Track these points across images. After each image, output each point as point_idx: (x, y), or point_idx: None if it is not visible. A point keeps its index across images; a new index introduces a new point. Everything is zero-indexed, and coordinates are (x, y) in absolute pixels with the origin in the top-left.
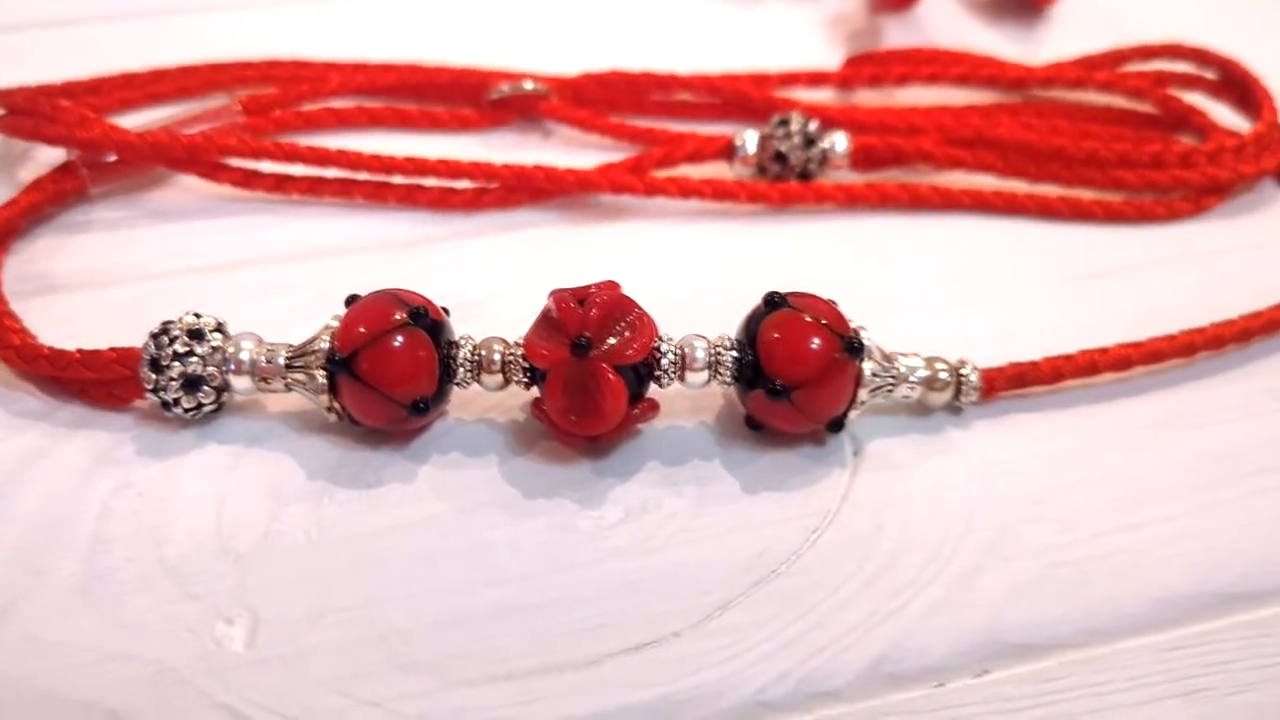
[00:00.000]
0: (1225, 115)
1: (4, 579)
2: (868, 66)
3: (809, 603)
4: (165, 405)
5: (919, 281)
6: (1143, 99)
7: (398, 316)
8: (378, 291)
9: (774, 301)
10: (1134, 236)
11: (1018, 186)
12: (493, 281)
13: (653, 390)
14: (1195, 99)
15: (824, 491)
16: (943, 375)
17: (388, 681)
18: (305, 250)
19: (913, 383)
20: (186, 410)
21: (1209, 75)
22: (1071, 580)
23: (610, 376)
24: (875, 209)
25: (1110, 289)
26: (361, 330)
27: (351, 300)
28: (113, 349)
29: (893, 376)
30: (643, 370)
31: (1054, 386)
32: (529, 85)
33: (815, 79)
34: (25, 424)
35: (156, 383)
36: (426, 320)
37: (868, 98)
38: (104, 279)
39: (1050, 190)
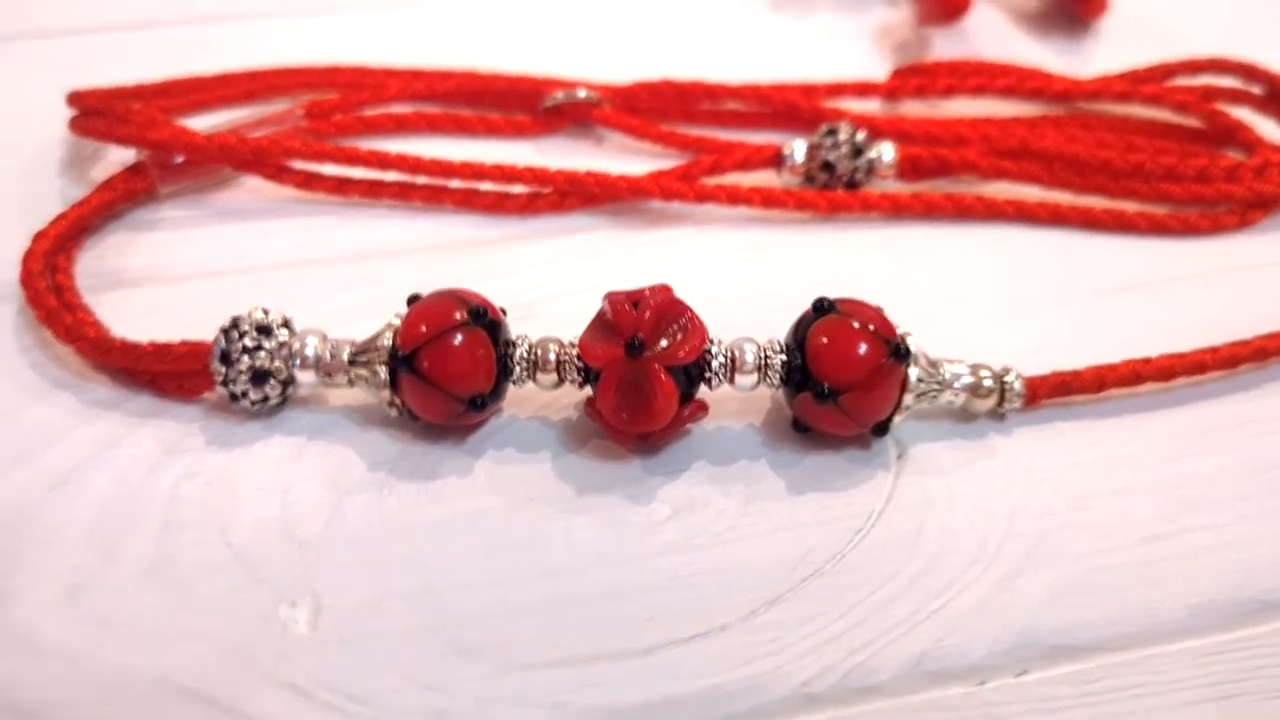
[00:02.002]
0: (1272, 130)
1: (77, 561)
2: (914, 78)
3: (852, 600)
4: (233, 397)
5: (964, 290)
6: (1189, 113)
7: (458, 315)
8: (439, 291)
9: (823, 307)
10: (1178, 249)
11: (1062, 198)
12: (547, 283)
13: (702, 392)
14: (1242, 114)
15: (868, 493)
16: (987, 382)
17: (446, 666)
18: (364, 251)
19: (957, 389)
20: (253, 402)
21: (1256, 90)
22: (1110, 585)
23: (662, 377)
24: (921, 218)
25: (1153, 301)
26: (423, 329)
27: (413, 300)
28: (184, 342)
29: (938, 382)
30: (693, 372)
31: (1097, 396)
32: (582, 93)
33: (862, 89)
34: (97, 413)
35: (226, 375)
36: (486, 319)
37: (914, 109)
38: (171, 275)
39: (1095, 202)
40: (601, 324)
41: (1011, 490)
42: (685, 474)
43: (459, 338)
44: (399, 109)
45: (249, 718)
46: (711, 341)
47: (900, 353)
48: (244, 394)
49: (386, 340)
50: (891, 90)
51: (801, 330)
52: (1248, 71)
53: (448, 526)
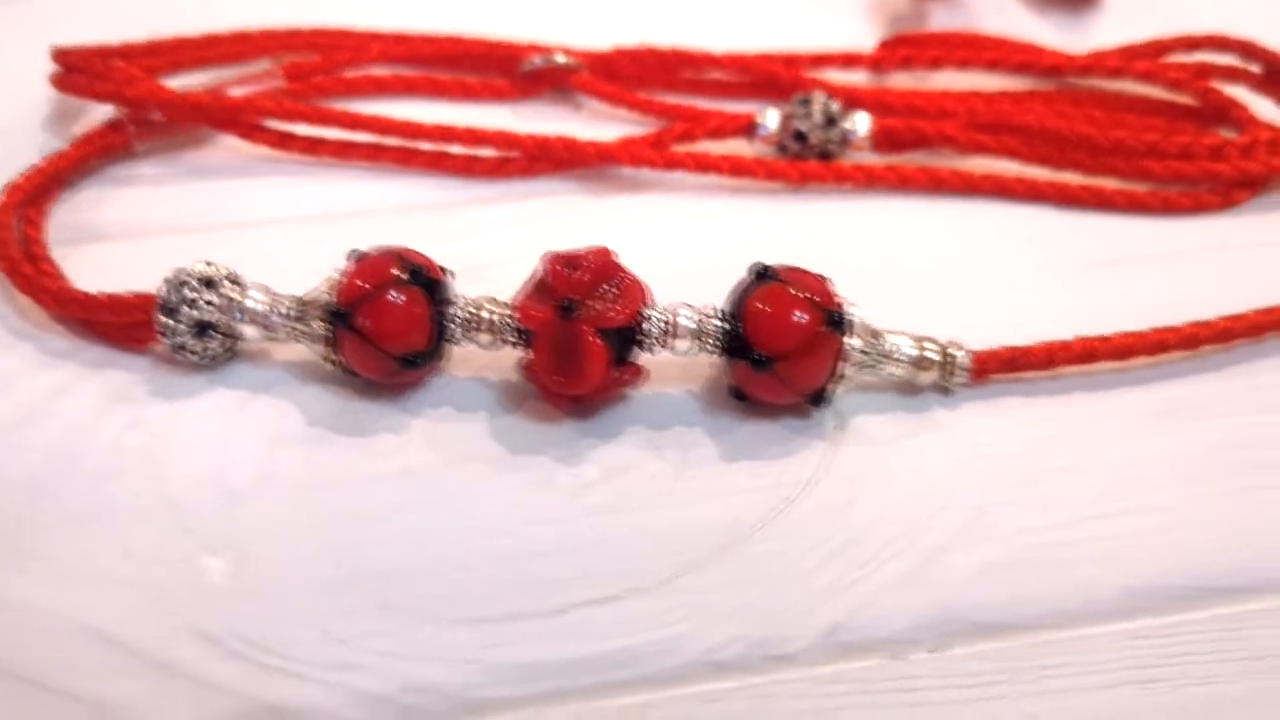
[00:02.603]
0: (1269, 110)
1: (18, 503)
2: (901, 49)
3: (773, 569)
4: (177, 349)
5: (933, 264)
6: (1182, 91)
7: (396, 273)
8: (381, 248)
9: (762, 274)
10: (1157, 228)
11: (1040, 174)
12: (509, 246)
13: (644, 358)
14: (1238, 92)
15: (802, 463)
16: (930, 354)
17: (360, 620)
18: (334, 210)
19: (899, 360)
20: (197, 355)
21: (1254, 69)
22: (1044, 563)
23: (591, 339)
24: (894, 191)
25: (1128, 279)
26: (361, 284)
27: (357, 256)
28: (133, 294)
29: (879, 353)
30: (629, 335)
31: (1050, 372)
32: (561, 59)
33: (848, 60)
34: (54, 362)
35: (168, 327)
36: (423, 278)
37: (902, 81)
38: (142, 230)
39: (1074, 178)
40: (538, 285)
41: (951, 465)
42: (619, 437)
43: (396, 295)
44: (379, 71)
45: (160, 664)
46: (648, 306)
47: (837, 321)
48: (187, 346)
49: (327, 296)
50: (877, 61)
51: (740, 297)
52: (1246, 49)
53: (377, 483)
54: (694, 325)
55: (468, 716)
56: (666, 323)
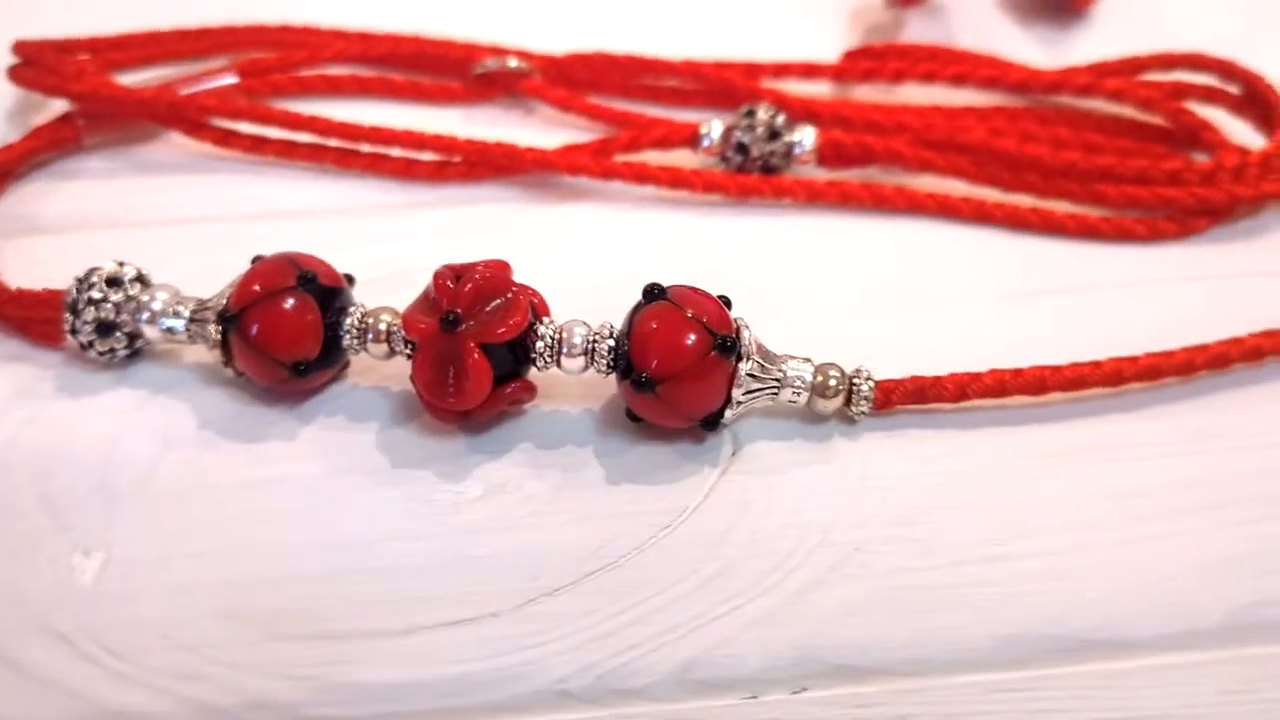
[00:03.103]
0: (1245, 133)
1: None
2: (864, 61)
3: (635, 599)
4: (82, 346)
5: (868, 285)
6: (1152, 111)
7: (288, 279)
8: (279, 253)
9: (653, 293)
10: (1108, 255)
11: (990, 194)
12: (441, 252)
13: (550, 374)
14: (1216, 115)
15: (687, 489)
16: (833, 383)
17: (210, 629)
18: (273, 210)
19: (798, 388)
20: (101, 353)
21: (1233, 90)
22: (914, 606)
23: (474, 356)
24: (836, 208)
25: (1071, 308)
26: (255, 289)
27: (256, 260)
28: (45, 290)
29: (775, 379)
30: (519, 351)
31: (961, 405)
32: (513, 63)
33: (809, 70)
34: None
35: (73, 324)
36: (315, 285)
37: (865, 94)
38: (84, 224)
39: (1023, 200)
40: (427, 297)
41: (837, 498)
42: (507, 454)
43: (285, 301)
44: (335, 71)
45: (11, 662)
46: (540, 322)
47: (727, 346)
48: (91, 344)
49: (224, 300)
50: (838, 73)
51: (630, 316)
52: (1225, 69)
53: (255, 490)
54: (585, 343)
55: None
56: (556, 340)
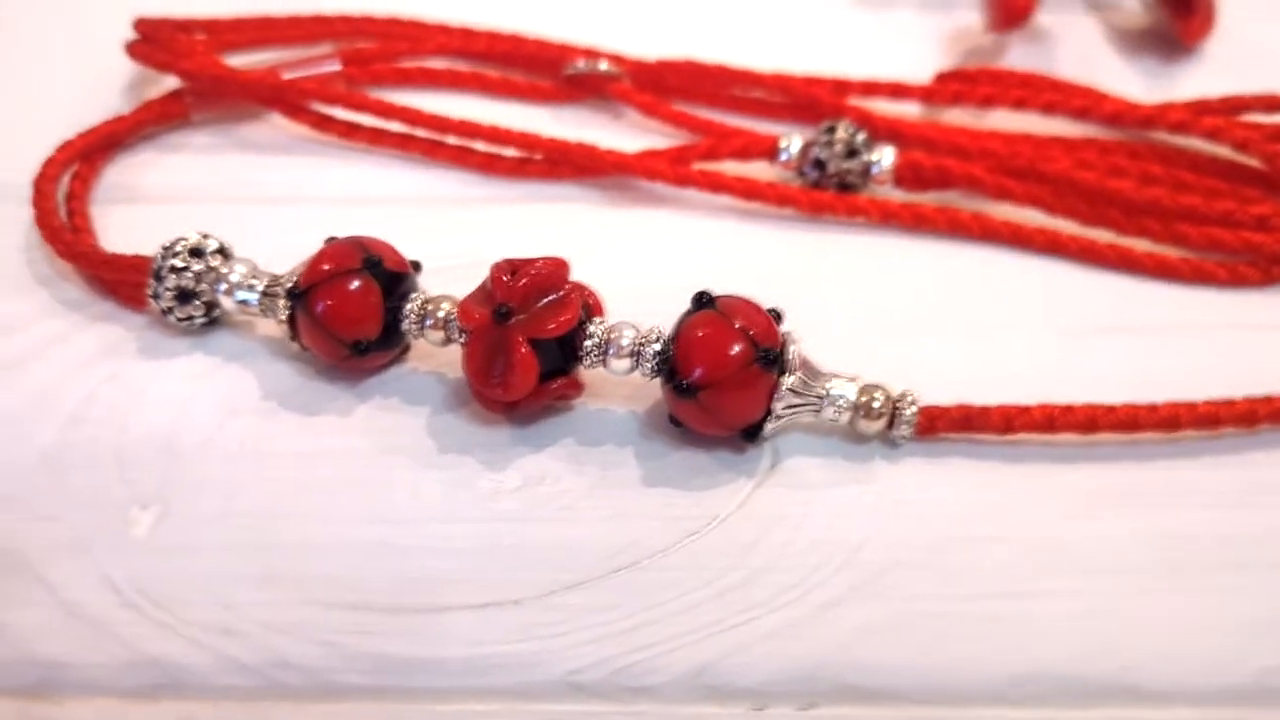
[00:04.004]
0: None
1: None
2: (954, 84)
3: (656, 600)
4: (164, 312)
5: (932, 308)
6: (1248, 152)
7: (354, 261)
8: (350, 236)
9: (702, 301)
10: (1185, 297)
11: (1066, 226)
12: (516, 247)
13: (599, 373)
14: None
15: (721, 498)
16: (877, 405)
17: (248, 588)
18: (359, 195)
19: (840, 406)
20: (180, 319)
21: None
22: (935, 634)
23: (522, 349)
24: (910, 230)
25: (1138, 348)
26: (324, 268)
27: (328, 241)
28: (135, 255)
29: (818, 396)
30: (568, 348)
31: (1009, 438)
32: (603, 66)
33: (897, 90)
34: (63, 311)
35: (156, 290)
36: (379, 269)
37: (958, 117)
38: (184, 197)
39: (1100, 235)
40: (482, 288)
41: (870, 519)
42: (550, 448)
43: (350, 283)
44: (433, 64)
45: (63, 602)
46: (591, 321)
47: (770, 359)
48: (171, 310)
49: (294, 277)
50: (927, 94)
51: (679, 323)
52: None
53: (307, 460)
54: (633, 346)
55: (322, 699)
56: (605, 340)
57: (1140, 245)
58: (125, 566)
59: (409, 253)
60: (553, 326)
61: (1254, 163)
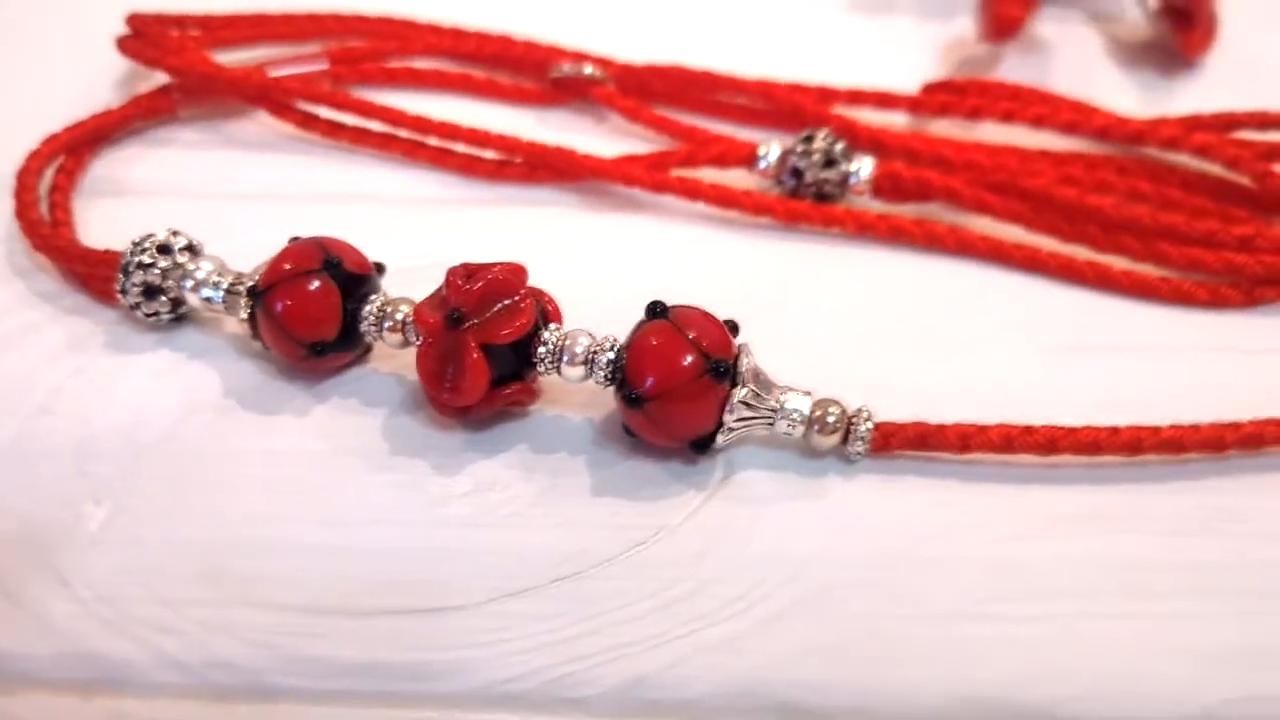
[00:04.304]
0: None
1: None
2: (941, 94)
3: (597, 610)
4: (131, 308)
5: (904, 321)
6: (1238, 171)
7: (314, 262)
8: (313, 237)
9: (655, 311)
10: (1163, 318)
11: (1046, 243)
12: (485, 249)
13: (554, 380)
14: None
15: (670, 509)
16: (832, 419)
17: (191, 586)
18: (340, 193)
19: (794, 420)
20: (146, 315)
21: None
22: (877, 654)
23: (473, 354)
24: (886, 241)
25: (1115, 369)
26: (285, 268)
27: (292, 240)
28: (106, 250)
29: (770, 409)
30: (523, 354)
31: (967, 457)
32: (588, 69)
33: (884, 100)
34: (37, 302)
35: (123, 285)
36: (339, 270)
37: (946, 129)
38: (166, 191)
39: (1080, 252)
40: (438, 292)
41: (818, 535)
42: (502, 454)
43: (310, 283)
44: (421, 64)
45: (9, 593)
46: (546, 327)
47: (720, 371)
48: (138, 305)
49: (256, 275)
50: (914, 105)
51: (633, 332)
52: None
53: (261, 459)
54: (586, 353)
55: (254, 700)
56: (559, 347)
57: (1119, 263)
58: (74, 560)
59: (385, 253)
60: (506, 332)
61: (1245, 181)
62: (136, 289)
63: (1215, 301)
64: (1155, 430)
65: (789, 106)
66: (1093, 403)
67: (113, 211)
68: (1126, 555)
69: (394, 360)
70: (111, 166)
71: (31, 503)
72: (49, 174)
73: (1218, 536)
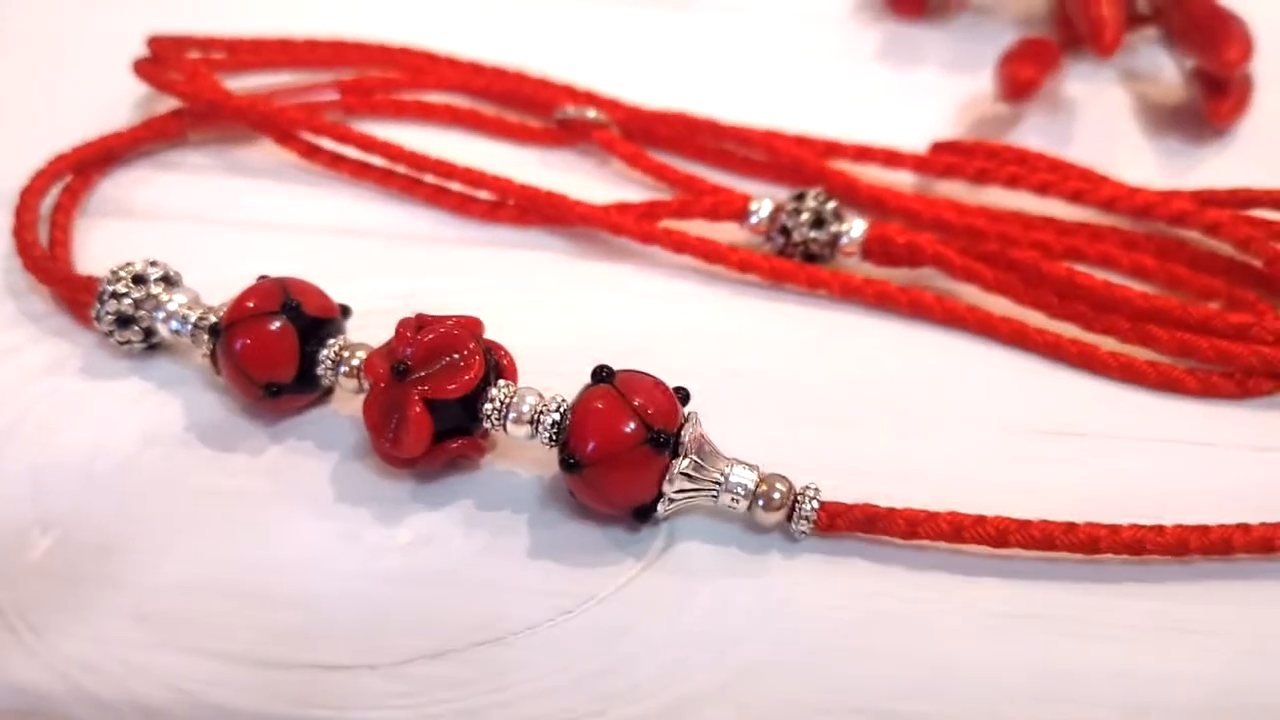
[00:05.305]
0: None
1: None
2: (948, 155)
3: (510, 680)
4: (106, 334)
5: (877, 391)
6: (1250, 251)
7: (274, 304)
8: (278, 277)
9: (601, 375)
10: (1148, 405)
11: (1034, 318)
12: (470, 290)
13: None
14: None
15: (601, 578)
16: (777, 496)
17: (120, 625)
18: (336, 226)
19: (738, 494)
20: (120, 343)
21: None
22: None
23: (416, 409)
24: (871, 307)
25: (1090, 457)
26: (247, 306)
27: (260, 279)
28: (87, 276)
29: (714, 482)
30: (470, 409)
31: (916, 543)
32: (591, 113)
33: (890, 158)
34: (24, 323)
35: (98, 313)
36: (298, 313)
37: (954, 190)
38: (167, 215)
39: (1067, 330)
40: (389, 341)
41: (748, 616)
42: (446, 507)
43: (269, 324)
44: (433, 98)
45: None
46: (495, 384)
47: (660, 441)
48: (111, 333)
49: (221, 312)
50: (919, 164)
51: (579, 395)
52: None
53: (208, 497)
54: (530, 412)
55: None
56: (505, 404)
57: (1108, 344)
58: (12, 589)
59: (374, 289)
60: (452, 387)
61: (1256, 263)
62: (110, 317)
63: (1204, 391)
64: (1115, 529)
65: (791, 160)
66: (1065, 491)
67: (115, 233)
68: (1069, 664)
69: (353, 403)
70: (119, 187)
71: None
72: (55, 192)
73: (1170, 646)
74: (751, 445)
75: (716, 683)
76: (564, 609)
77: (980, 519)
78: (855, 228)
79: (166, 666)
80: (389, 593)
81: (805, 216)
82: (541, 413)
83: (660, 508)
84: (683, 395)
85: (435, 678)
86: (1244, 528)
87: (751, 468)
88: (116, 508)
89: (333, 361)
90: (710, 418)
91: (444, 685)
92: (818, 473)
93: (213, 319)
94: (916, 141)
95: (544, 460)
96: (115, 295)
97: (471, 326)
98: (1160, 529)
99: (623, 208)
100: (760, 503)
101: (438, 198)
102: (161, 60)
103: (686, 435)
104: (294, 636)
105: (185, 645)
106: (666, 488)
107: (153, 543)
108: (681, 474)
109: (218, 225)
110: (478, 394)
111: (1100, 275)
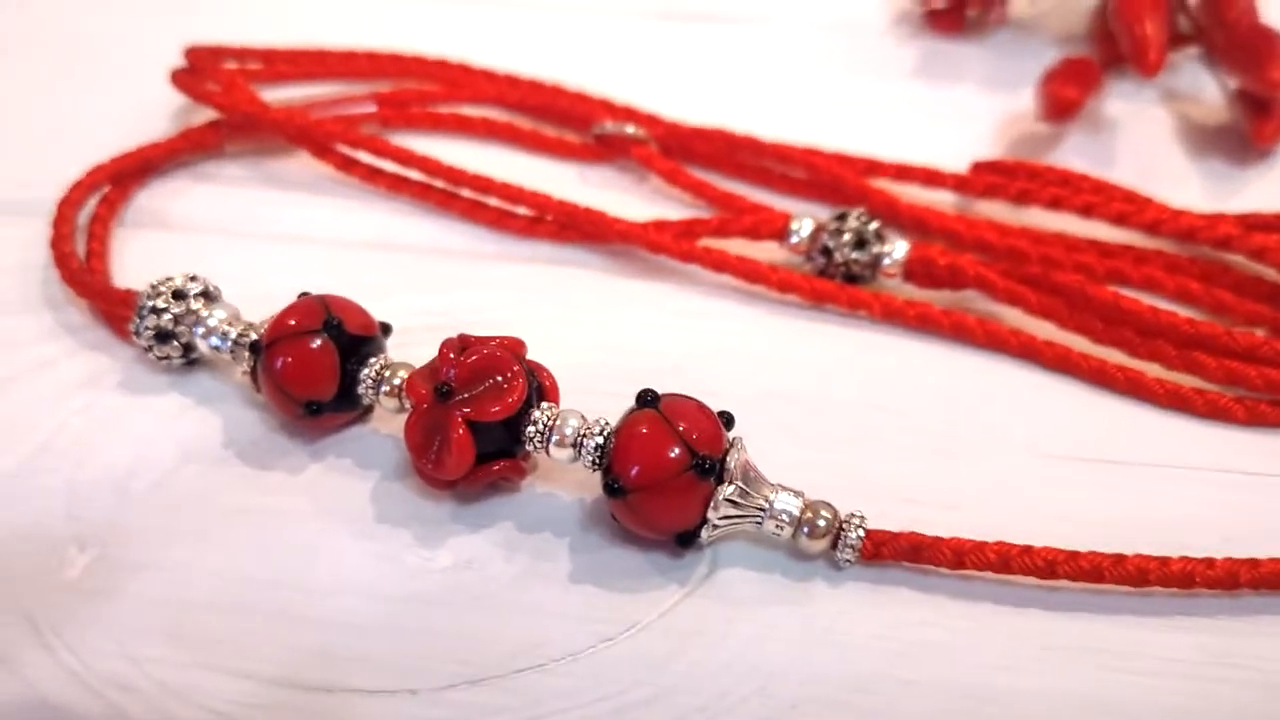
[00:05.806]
0: None
1: None
2: (989, 175)
3: (550, 708)
4: (145, 349)
5: (918, 416)
6: None
7: (315, 321)
8: (320, 294)
9: (646, 399)
10: (1193, 433)
11: (1078, 342)
12: (507, 306)
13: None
14: None
15: (646, 604)
16: (822, 523)
17: (155, 644)
18: (373, 240)
19: (782, 521)
20: (159, 358)
21: None
22: None
23: (459, 431)
24: (913, 330)
25: (1136, 485)
26: (289, 324)
27: (301, 296)
28: (126, 290)
29: (758, 508)
30: (513, 431)
31: (962, 573)
32: (630, 129)
33: (930, 177)
34: (61, 335)
35: (137, 327)
36: (339, 331)
37: (995, 211)
38: (204, 227)
39: (1113, 355)
40: (432, 362)
41: (793, 646)
42: (487, 530)
43: (310, 342)
44: (470, 111)
45: None
46: (538, 406)
47: (705, 468)
48: (150, 348)
49: (262, 329)
50: (960, 184)
51: (623, 418)
52: None
53: (247, 516)
54: (573, 436)
55: None
56: (549, 427)
57: (1154, 370)
58: (49, 606)
59: (411, 305)
60: (495, 410)
61: None
62: (149, 332)
63: (1253, 420)
64: (1164, 562)
65: (830, 179)
66: (1111, 520)
67: (151, 244)
68: (1118, 696)
69: (394, 422)
70: (156, 198)
71: (15, 543)
72: (92, 203)
73: (1215, 683)
74: (790, 467)
75: (760, 715)
76: (605, 636)
77: (1028, 549)
78: (898, 249)
79: (202, 687)
80: (428, 616)
81: (847, 237)
82: (585, 436)
83: (704, 534)
84: (727, 420)
85: (475, 704)
86: None
87: (797, 494)
88: (154, 525)
89: (374, 380)
90: (747, 438)
91: (484, 712)
92: (858, 496)
93: (253, 336)
94: (954, 159)
95: (585, 483)
96: (155, 310)
97: (514, 348)
98: (1210, 562)
99: (661, 225)
100: (805, 530)
101: (475, 213)
102: (199, 71)
103: (731, 461)
104: (332, 659)
105: (221, 666)
106: (711, 514)
107: (189, 561)
108: (726, 500)
109: (254, 238)
110: (520, 416)
111: (1145, 300)
